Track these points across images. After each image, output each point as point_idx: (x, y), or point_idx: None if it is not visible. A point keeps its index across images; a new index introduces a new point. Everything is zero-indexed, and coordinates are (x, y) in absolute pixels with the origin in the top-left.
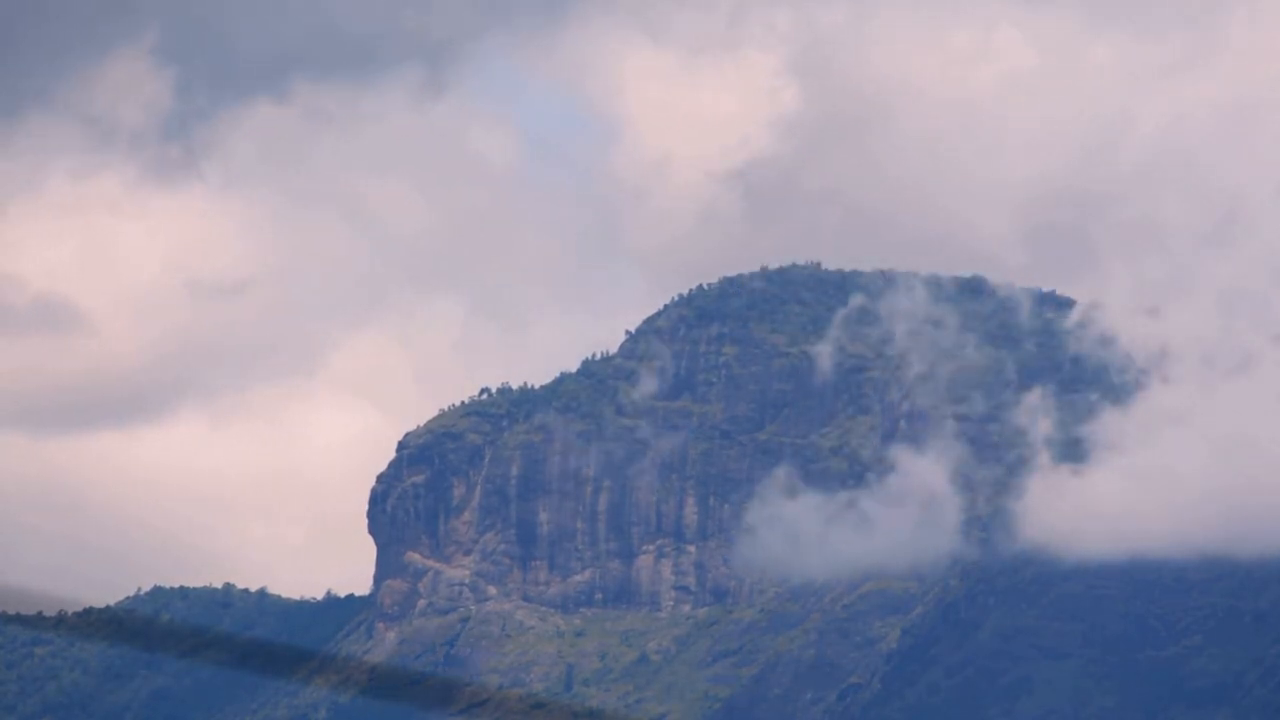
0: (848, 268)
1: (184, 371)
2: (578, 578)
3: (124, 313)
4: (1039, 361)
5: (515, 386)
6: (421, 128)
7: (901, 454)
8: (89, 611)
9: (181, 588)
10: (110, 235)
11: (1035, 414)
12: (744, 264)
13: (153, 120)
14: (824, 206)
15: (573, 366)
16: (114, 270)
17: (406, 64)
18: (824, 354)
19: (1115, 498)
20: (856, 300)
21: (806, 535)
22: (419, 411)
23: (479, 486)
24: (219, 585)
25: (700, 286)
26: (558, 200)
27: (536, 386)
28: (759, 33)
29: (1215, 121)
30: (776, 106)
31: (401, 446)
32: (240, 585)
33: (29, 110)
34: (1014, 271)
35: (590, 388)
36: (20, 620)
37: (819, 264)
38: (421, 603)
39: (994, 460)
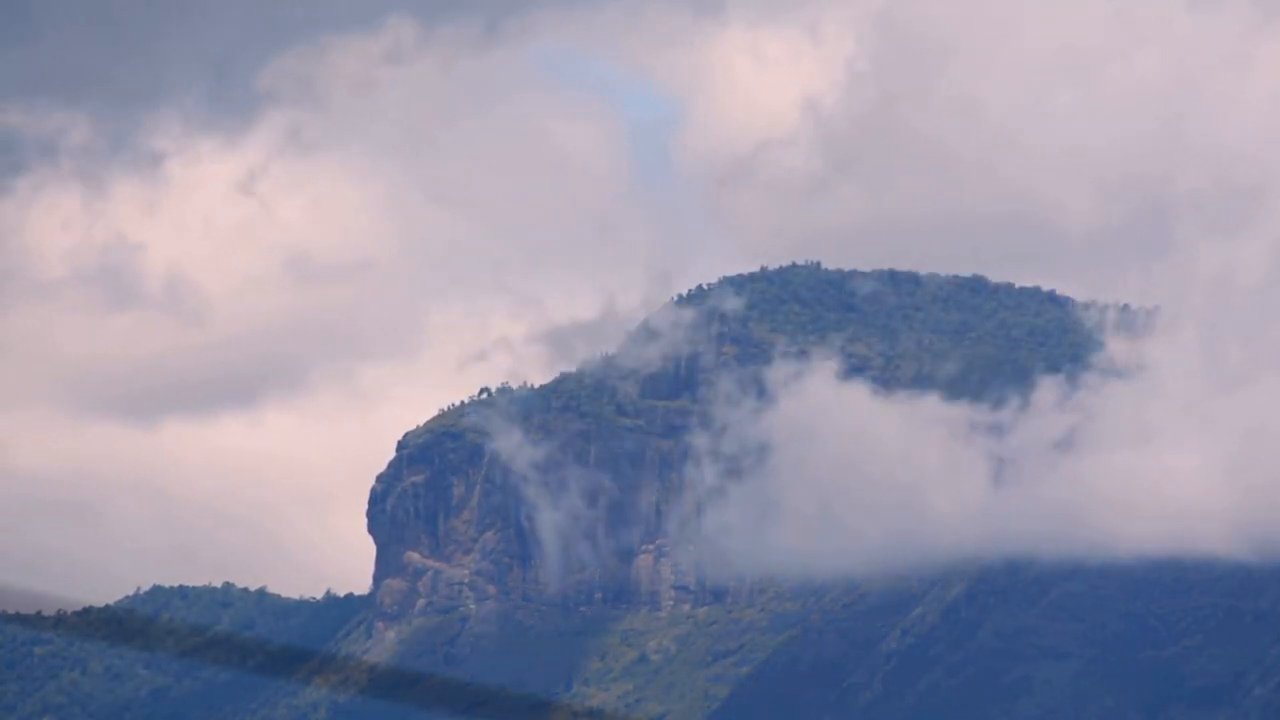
0: (847, 267)
1: (289, 355)
2: (577, 577)
3: (235, 293)
4: (1038, 360)
5: (515, 386)
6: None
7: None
8: (89, 611)
9: (181, 587)
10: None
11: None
12: (746, 263)
13: (263, 101)
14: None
15: (572, 366)
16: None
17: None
18: (823, 354)
19: (1116, 498)
20: (856, 300)
21: (807, 534)
22: None
23: (478, 486)
24: (219, 585)
25: (700, 286)
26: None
27: (536, 386)
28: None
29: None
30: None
31: (401, 446)
32: (240, 585)
33: (157, 95)
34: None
35: (590, 387)
36: (20, 620)
37: (819, 264)
38: (421, 602)
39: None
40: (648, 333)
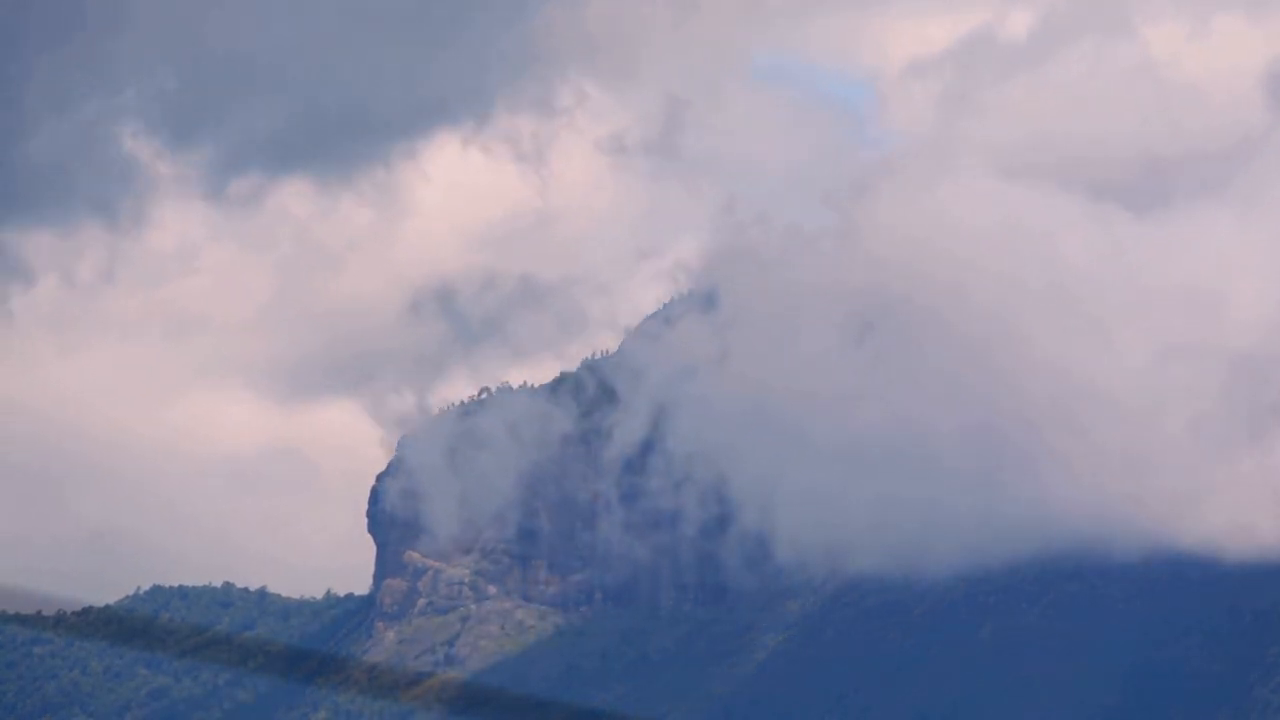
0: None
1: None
2: (577, 577)
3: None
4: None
5: (515, 385)
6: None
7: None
8: (89, 611)
9: (181, 587)
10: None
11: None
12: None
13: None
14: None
15: (572, 366)
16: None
17: None
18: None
19: (1115, 497)
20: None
21: (808, 535)
22: None
23: (478, 486)
24: (219, 585)
25: (700, 285)
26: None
27: (536, 386)
28: None
29: None
30: None
31: (401, 446)
32: (240, 585)
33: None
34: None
35: (590, 386)
36: (20, 620)
37: None
38: (421, 602)
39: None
40: (646, 331)
